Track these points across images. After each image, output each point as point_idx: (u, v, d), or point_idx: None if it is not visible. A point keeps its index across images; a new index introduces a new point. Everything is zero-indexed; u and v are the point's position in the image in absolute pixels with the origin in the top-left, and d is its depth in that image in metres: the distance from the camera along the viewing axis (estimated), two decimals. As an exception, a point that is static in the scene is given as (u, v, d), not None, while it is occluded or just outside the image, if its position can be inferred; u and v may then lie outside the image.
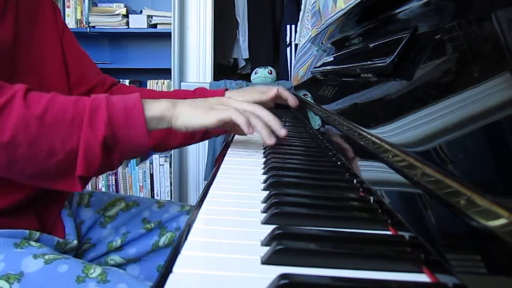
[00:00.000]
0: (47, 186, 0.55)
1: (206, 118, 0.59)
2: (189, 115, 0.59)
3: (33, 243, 0.62)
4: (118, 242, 0.79)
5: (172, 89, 2.13)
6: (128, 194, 2.38)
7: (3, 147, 0.48)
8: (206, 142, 2.06)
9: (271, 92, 0.80)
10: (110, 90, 0.86)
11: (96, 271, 0.57)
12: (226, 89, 0.84)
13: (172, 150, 2.16)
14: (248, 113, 0.61)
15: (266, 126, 0.62)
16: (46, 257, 0.58)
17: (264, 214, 0.38)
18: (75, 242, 0.72)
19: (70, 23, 2.37)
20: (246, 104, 0.64)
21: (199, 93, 0.84)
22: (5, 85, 0.51)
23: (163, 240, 0.81)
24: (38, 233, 0.64)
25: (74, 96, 0.54)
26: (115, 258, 0.79)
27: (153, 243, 0.80)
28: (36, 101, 0.51)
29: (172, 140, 0.79)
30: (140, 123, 0.53)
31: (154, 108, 0.56)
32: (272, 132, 0.63)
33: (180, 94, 0.85)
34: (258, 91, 0.81)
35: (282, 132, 0.63)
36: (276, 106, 0.88)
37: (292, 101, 0.79)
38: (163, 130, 0.60)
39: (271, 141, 0.61)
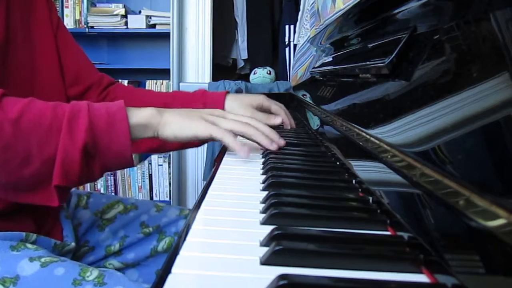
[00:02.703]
0: (22, 200, 0.52)
1: (198, 128, 0.56)
2: (179, 123, 0.56)
3: (29, 245, 0.61)
4: (116, 246, 0.79)
5: (171, 89, 2.13)
6: (127, 194, 2.38)
7: None
8: (205, 142, 2.06)
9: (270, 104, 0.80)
10: (107, 90, 0.84)
11: (93, 273, 0.57)
12: (227, 92, 0.81)
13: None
14: (243, 124, 0.60)
15: (264, 135, 0.61)
16: (43, 259, 0.57)
17: (263, 215, 0.38)
18: (73, 244, 0.72)
19: (69, 23, 2.37)
20: (241, 117, 0.62)
21: (199, 95, 0.81)
22: None
23: (162, 245, 0.80)
24: (35, 235, 0.64)
25: (54, 102, 0.52)
26: (114, 262, 0.79)
27: (151, 248, 0.80)
28: (11, 105, 0.49)
29: (170, 143, 0.77)
30: (123, 130, 0.51)
31: (139, 115, 0.53)
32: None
33: (179, 95, 0.82)
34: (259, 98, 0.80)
35: (281, 142, 0.63)
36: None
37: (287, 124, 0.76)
38: None
39: (272, 146, 0.61)
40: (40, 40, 0.71)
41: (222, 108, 0.78)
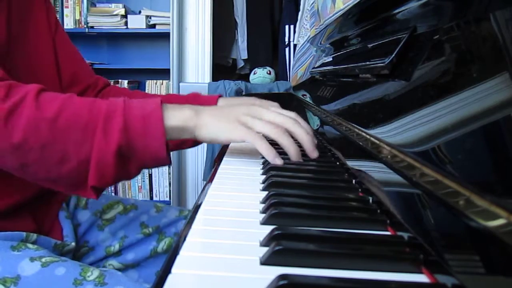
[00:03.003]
0: (62, 191, 0.53)
1: (233, 132, 0.54)
2: (215, 127, 0.54)
3: (30, 245, 0.61)
4: (116, 246, 0.79)
5: (171, 89, 2.13)
6: (127, 194, 2.38)
7: (13, 150, 0.47)
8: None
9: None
10: (102, 93, 0.84)
11: (93, 273, 0.57)
12: (220, 96, 0.80)
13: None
14: (279, 129, 0.55)
15: (296, 146, 0.56)
16: (43, 259, 0.57)
17: (263, 215, 0.38)
18: (73, 244, 0.72)
19: (69, 23, 2.37)
20: (281, 116, 0.57)
21: (192, 98, 0.80)
22: (17, 85, 0.49)
23: (162, 246, 0.80)
24: (35, 235, 0.64)
25: (91, 98, 0.51)
26: (113, 263, 0.79)
27: (151, 249, 0.80)
28: (49, 103, 0.48)
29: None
30: (158, 133, 0.49)
31: (176, 117, 0.52)
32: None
33: (172, 98, 0.80)
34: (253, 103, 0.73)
35: (313, 154, 0.57)
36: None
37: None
38: None
39: (297, 159, 0.56)
40: (38, 41, 0.71)
41: None
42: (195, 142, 0.77)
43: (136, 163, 0.50)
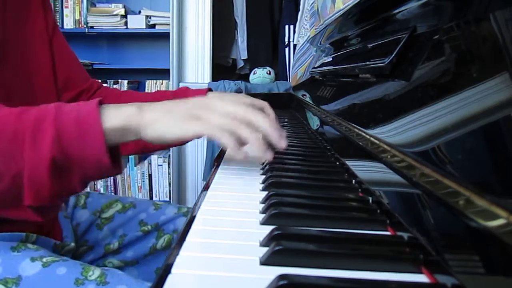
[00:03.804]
0: (7, 215, 0.47)
1: (184, 129, 0.47)
2: (163, 124, 0.47)
3: (30, 245, 0.61)
4: (115, 244, 0.79)
5: (170, 89, 2.13)
6: (127, 194, 2.38)
7: None
8: (205, 142, 2.06)
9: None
10: (95, 95, 0.84)
11: (95, 273, 0.57)
12: (209, 89, 0.76)
13: (171, 150, 2.16)
14: (237, 121, 0.48)
15: (260, 140, 0.49)
16: (44, 259, 0.57)
17: (263, 215, 0.38)
18: (73, 244, 0.72)
19: (69, 23, 2.37)
20: (234, 107, 0.50)
21: (181, 93, 0.77)
22: None
23: (161, 242, 0.80)
24: (35, 236, 0.64)
25: (23, 107, 0.45)
26: (113, 261, 0.79)
27: (150, 246, 0.80)
28: None
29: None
30: (96, 137, 0.43)
31: (116, 117, 0.45)
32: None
33: (160, 96, 0.79)
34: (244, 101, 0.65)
35: (281, 143, 0.51)
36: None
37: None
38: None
39: (266, 156, 0.50)
40: (34, 42, 0.71)
41: None
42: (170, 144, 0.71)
43: (78, 175, 0.45)
